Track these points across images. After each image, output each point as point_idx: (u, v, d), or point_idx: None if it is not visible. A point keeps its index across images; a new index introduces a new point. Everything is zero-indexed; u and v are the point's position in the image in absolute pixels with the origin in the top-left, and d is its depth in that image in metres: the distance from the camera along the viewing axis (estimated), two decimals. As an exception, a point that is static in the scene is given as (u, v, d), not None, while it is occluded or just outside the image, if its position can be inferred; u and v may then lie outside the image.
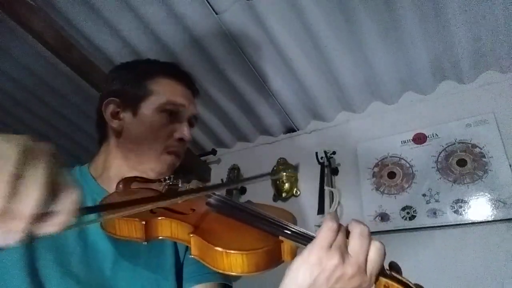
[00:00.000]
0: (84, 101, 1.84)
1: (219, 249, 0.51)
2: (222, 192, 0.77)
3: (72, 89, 1.77)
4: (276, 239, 0.54)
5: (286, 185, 1.79)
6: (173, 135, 0.79)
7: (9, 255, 0.59)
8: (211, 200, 0.67)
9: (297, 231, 0.55)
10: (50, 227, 0.32)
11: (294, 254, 0.54)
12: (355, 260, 0.48)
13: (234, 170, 2.00)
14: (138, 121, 0.78)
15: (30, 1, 1.26)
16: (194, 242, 0.55)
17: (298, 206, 1.78)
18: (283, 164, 1.85)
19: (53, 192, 0.32)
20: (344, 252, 0.49)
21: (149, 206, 0.52)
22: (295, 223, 0.61)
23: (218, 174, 2.10)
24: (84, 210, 0.38)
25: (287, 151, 1.92)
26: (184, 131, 0.79)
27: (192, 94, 0.86)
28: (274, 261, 0.53)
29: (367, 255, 0.49)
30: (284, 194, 1.79)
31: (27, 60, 1.59)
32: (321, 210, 1.62)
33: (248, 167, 2.01)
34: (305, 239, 0.52)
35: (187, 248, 0.76)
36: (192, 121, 0.85)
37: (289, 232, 0.54)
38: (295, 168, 1.84)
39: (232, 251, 0.51)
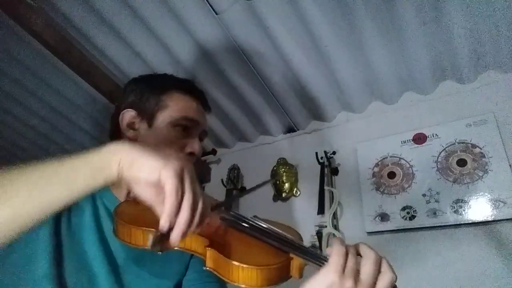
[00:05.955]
0: (84, 101, 1.84)
1: (236, 263, 0.54)
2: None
3: (72, 89, 1.76)
4: (287, 256, 0.58)
5: (286, 185, 1.79)
6: (185, 149, 0.82)
7: (37, 243, 0.65)
8: (226, 216, 0.70)
9: (307, 250, 0.59)
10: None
11: (301, 271, 0.59)
12: (367, 285, 0.52)
13: (234, 170, 2.00)
14: (153, 133, 0.81)
15: (30, 1, 1.26)
16: (210, 255, 0.58)
17: (298, 206, 1.78)
18: (283, 164, 1.85)
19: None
20: (356, 277, 0.52)
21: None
22: (300, 240, 0.66)
23: (218, 174, 2.10)
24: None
25: (287, 151, 1.92)
26: (195, 145, 0.83)
27: (205, 111, 0.90)
28: (284, 276, 0.58)
29: (376, 281, 0.53)
30: (284, 194, 1.79)
31: (27, 60, 1.59)
32: (321, 210, 1.62)
33: (248, 167, 2.01)
34: (314, 257, 0.57)
35: (192, 256, 0.80)
36: (203, 136, 0.89)
37: (300, 250, 0.59)
38: (295, 168, 1.84)
39: (248, 266, 0.54)
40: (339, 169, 1.72)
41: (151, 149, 0.52)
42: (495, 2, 1.20)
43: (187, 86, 0.89)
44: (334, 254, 0.53)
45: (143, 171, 0.49)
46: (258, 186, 0.86)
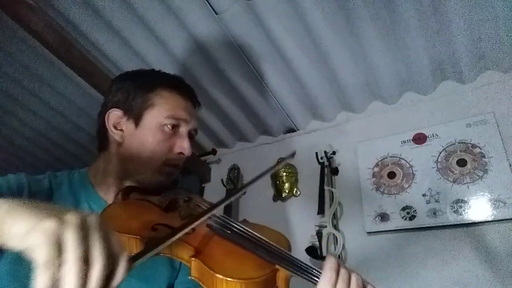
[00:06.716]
0: (84, 101, 1.84)
1: (220, 276, 0.54)
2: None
3: (72, 89, 1.76)
4: (273, 267, 0.58)
5: (286, 185, 1.79)
6: (173, 149, 0.80)
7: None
8: (212, 223, 0.68)
9: (294, 262, 0.59)
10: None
11: (287, 281, 0.59)
12: None
13: (234, 170, 2.00)
14: (140, 133, 0.78)
15: (30, 1, 1.26)
16: (195, 266, 0.57)
17: (298, 206, 1.78)
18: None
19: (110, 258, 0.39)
20: None
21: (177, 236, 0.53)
22: (289, 248, 0.65)
23: (218, 174, 2.10)
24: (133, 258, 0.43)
25: (287, 151, 1.92)
26: (184, 145, 0.80)
27: (194, 108, 0.87)
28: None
29: None
30: (284, 194, 1.79)
31: (27, 60, 1.59)
32: (321, 210, 1.62)
33: (248, 167, 2.01)
34: (300, 269, 0.57)
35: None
36: (192, 134, 0.86)
37: (287, 263, 0.58)
38: (295, 168, 1.84)
39: (232, 279, 0.54)
40: (339, 169, 1.72)
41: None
42: (495, 3, 1.20)
43: (175, 83, 0.85)
44: (323, 277, 0.55)
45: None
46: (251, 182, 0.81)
